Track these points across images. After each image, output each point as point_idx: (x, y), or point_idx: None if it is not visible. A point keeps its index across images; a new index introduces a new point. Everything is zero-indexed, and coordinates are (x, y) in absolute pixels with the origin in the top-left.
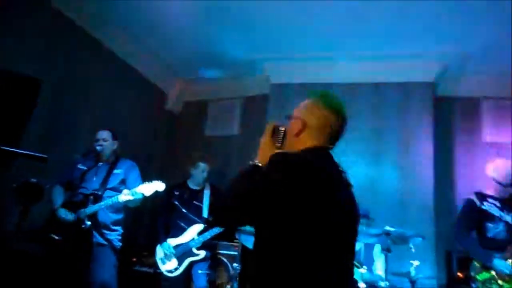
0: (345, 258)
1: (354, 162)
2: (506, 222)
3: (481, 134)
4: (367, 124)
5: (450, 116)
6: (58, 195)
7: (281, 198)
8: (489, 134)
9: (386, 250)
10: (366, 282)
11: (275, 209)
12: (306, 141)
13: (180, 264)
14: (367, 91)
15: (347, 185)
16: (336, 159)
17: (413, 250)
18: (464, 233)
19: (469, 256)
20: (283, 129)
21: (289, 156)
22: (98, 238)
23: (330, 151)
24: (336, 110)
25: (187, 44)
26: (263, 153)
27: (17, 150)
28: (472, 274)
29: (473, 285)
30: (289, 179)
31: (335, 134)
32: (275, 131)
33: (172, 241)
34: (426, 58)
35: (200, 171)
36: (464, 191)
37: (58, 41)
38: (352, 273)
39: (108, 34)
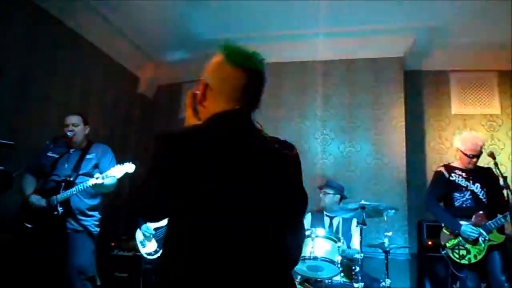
0: (247, 239)
1: (332, 139)
2: (472, 191)
3: (450, 107)
4: (341, 101)
5: (420, 90)
6: (29, 183)
7: (162, 184)
8: (457, 106)
9: (361, 223)
10: (342, 256)
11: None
12: (213, 108)
13: (160, 246)
14: (339, 68)
15: (266, 155)
16: (312, 134)
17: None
18: (434, 203)
19: (438, 225)
20: None
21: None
22: (73, 224)
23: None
24: (242, 64)
25: (157, 26)
26: None
27: None
28: (442, 242)
29: (442, 251)
30: (160, 164)
31: (247, 93)
32: (194, 100)
33: (152, 225)
34: (395, 34)
35: None
36: (434, 163)
37: (20, 25)
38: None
39: (75, 17)
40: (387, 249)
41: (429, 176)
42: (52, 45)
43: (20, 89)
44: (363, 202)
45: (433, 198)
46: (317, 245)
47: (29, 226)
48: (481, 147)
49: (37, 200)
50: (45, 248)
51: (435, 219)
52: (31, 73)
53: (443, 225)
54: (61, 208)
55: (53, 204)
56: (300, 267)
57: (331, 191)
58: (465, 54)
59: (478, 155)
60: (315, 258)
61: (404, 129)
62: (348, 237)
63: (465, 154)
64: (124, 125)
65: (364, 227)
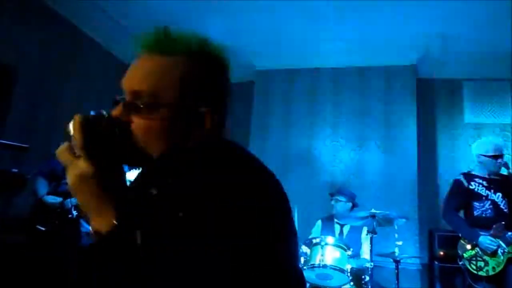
0: None
1: (343, 146)
2: (492, 201)
3: (462, 116)
4: (352, 108)
5: (433, 98)
6: (42, 186)
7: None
8: (470, 115)
9: (372, 232)
10: (352, 264)
11: None
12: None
13: None
14: (351, 76)
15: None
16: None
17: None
18: (452, 212)
19: (450, 235)
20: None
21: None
22: (86, 227)
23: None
24: (223, 60)
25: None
26: (93, 210)
27: None
28: (459, 252)
29: (460, 262)
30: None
31: (225, 101)
32: (87, 135)
33: None
34: (408, 41)
35: None
36: (446, 172)
37: (36, 29)
38: None
39: (88, 21)
40: (398, 259)
41: (441, 185)
42: (65, 49)
43: (34, 93)
44: (373, 210)
45: (450, 208)
46: (327, 253)
47: (42, 229)
48: (502, 148)
49: (53, 198)
50: (58, 250)
51: (453, 229)
52: (45, 77)
53: (460, 235)
54: (75, 211)
55: (68, 207)
56: (309, 275)
57: (343, 199)
58: (478, 62)
59: (502, 155)
60: (324, 266)
61: (415, 138)
62: (358, 246)
63: (490, 156)
64: None
65: (374, 235)
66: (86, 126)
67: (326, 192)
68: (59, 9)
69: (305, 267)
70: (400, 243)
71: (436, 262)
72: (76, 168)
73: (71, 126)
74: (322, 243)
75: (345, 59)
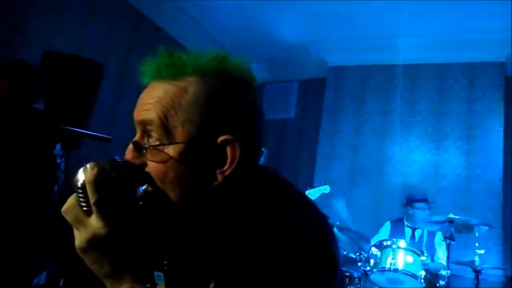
0: None
1: (418, 147)
2: None
3: None
4: (429, 107)
5: None
6: None
7: None
8: None
9: (449, 238)
10: (426, 270)
11: None
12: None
13: None
14: (430, 73)
15: None
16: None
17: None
18: None
19: None
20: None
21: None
22: None
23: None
24: (245, 78)
25: (243, 26)
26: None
27: (84, 131)
28: None
29: None
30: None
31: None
32: (103, 190)
33: None
34: (496, 36)
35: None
36: None
37: (119, 26)
38: None
39: (168, 19)
40: (478, 269)
41: None
42: (147, 46)
43: (118, 87)
44: (451, 215)
45: None
46: (399, 257)
47: None
48: None
49: None
50: None
51: None
52: (129, 72)
53: None
54: None
55: None
56: (379, 278)
57: (425, 206)
58: None
59: None
60: (395, 270)
61: (502, 140)
62: (431, 251)
63: None
64: None
65: (452, 242)
66: (103, 179)
67: (397, 193)
68: (146, 11)
69: (374, 270)
70: (481, 251)
71: None
72: (87, 229)
73: (81, 176)
74: (394, 246)
75: (423, 55)
